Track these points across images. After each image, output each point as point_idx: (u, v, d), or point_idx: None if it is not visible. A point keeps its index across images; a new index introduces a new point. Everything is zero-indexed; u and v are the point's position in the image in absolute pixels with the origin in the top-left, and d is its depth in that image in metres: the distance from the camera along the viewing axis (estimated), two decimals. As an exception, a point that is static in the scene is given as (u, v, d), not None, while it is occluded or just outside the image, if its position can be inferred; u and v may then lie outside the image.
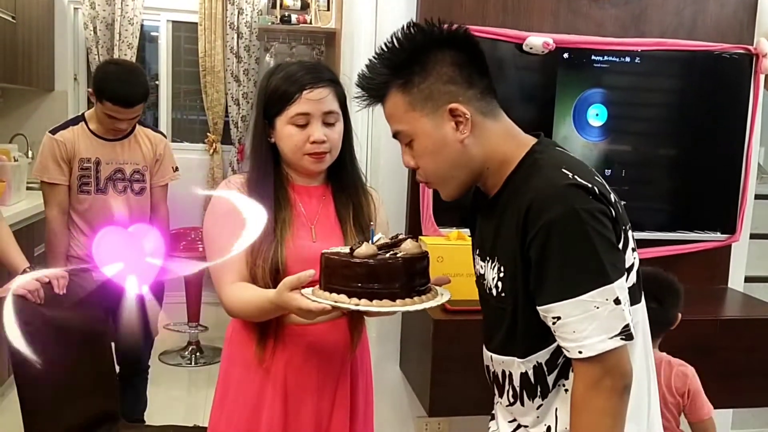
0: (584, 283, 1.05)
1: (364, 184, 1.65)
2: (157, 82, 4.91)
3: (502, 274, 1.16)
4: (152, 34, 4.98)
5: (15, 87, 4.10)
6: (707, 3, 2.53)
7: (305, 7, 4.06)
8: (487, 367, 1.29)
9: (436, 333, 2.13)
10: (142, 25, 4.70)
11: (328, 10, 3.89)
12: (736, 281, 2.71)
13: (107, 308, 2.16)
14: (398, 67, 1.15)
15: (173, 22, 4.91)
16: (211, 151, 4.87)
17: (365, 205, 1.61)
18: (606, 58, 2.42)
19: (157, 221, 2.56)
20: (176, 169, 2.64)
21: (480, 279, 1.27)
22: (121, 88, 2.32)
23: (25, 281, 1.78)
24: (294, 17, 4.01)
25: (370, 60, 1.20)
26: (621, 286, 1.06)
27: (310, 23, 4.02)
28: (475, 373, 2.14)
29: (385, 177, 2.48)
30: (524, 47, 2.34)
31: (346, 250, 1.31)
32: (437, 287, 1.39)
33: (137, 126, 2.53)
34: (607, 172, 2.45)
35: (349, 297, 1.26)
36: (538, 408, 1.18)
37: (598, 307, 1.04)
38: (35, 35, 4.16)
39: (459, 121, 1.14)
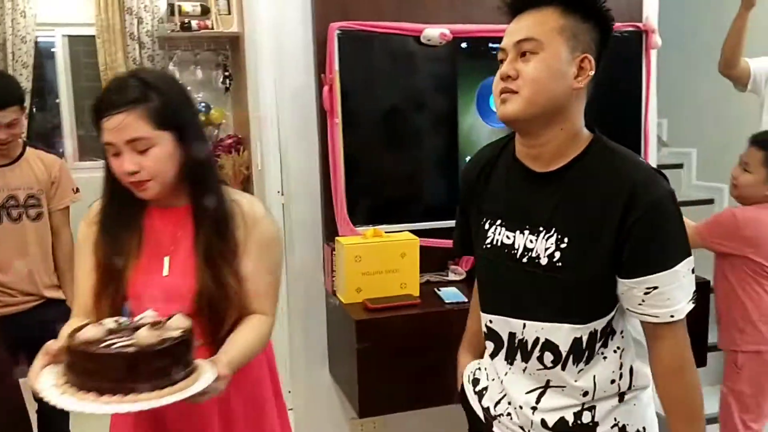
0: (678, 255, 1.20)
1: (224, 199, 1.42)
2: (58, 100, 4.70)
3: (564, 245, 1.24)
4: (51, 50, 4.76)
5: None
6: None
7: (206, 12, 3.96)
8: (511, 334, 1.33)
9: (359, 333, 2.12)
10: (36, 43, 4.49)
11: (230, 13, 3.81)
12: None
13: (14, 347, 2.04)
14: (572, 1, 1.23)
15: (69, 36, 4.70)
16: (125, 166, 4.69)
17: (226, 222, 1.41)
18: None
19: (59, 247, 2.43)
20: (77, 190, 2.51)
21: (503, 248, 1.32)
22: None
23: None
24: (194, 23, 3.90)
25: None
26: (693, 259, 1.23)
27: (212, 28, 3.92)
28: (401, 369, 2.18)
29: (297, 180, 2.46)
30: (422, 39, 2.35)
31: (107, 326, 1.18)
32: (206, 365, 1.22)
33: (28, 149, 2.40)
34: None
35: (71, 384, 1.11)
36: (579, 372, 1.29)
37: (684, 276, 1.21)
38: None
39: (581, 73, 1.24)
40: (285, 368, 2.57)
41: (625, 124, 2.63)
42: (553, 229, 1.26)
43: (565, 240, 1.24)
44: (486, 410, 1.43)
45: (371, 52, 2.36)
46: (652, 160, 2.72)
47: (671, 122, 3.99)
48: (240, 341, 1.36)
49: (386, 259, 2.27)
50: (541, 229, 1.28)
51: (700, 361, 2.47)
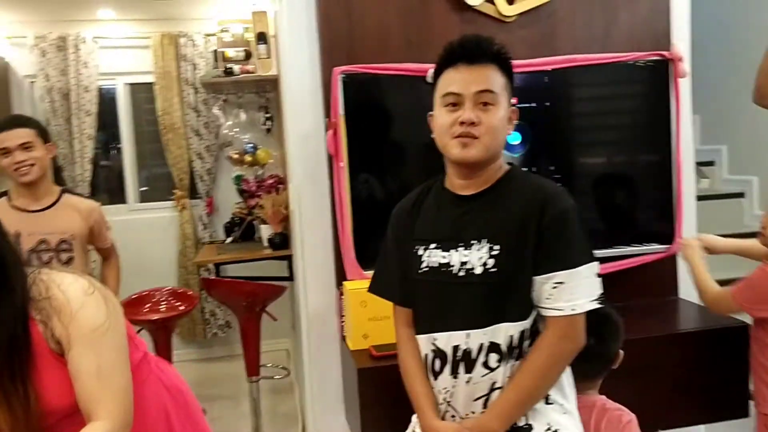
0: (580, 259, 1.42)
1: (24, 315, 1.25)
2: (120, 146, 4.94)
3: (495, 253, 1.44)
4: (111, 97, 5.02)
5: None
6: (618, 14, 2.48)
7: (249, 56, 4.07)
8: (455, 347, 1.48)
9: (362, 382, 2.07)
10: (100, 91, 4.75)
11: (269, 57, 3.90)
12: (686, 291, 2.61)
13: None
14: (502, 60, 1.50)
15: (131, 84, 4.94)
16: (180, 207, 4.86)
17: (20, 343, 1.23)
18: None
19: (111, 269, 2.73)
20: (108, 228, 2.73)
21: (440, 268, 1.49)
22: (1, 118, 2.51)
23: None
24: (237, 68, 4.02)
25: (476, 35, 1.50)
26: (597, 265, 1.46)
27: (254, 72, 4.02)
28: (407, 420, 2.10)
29: (310, 223, 2.45)
30: (428, 79, 2.29)
31: None
32: None
33: (64, 195, 2.52)
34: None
35: None
36: (510, 367, 1.46)
37: (587, 277, 1.42)
38: (-10, 113, 4.20)
39: (511, 122, 1.52)
40: (306, 415, 2.55)
41: (655, 158, 2.48)
42: (484, 240, 1.45)
43: (496, 248, 1.44)
44: None
45: (377, 95, 2.34)
46: (688, 193, 2.55)
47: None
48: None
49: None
50: (473, 242, 1.46)
51: (742, 412, 2.27)
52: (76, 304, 1.21)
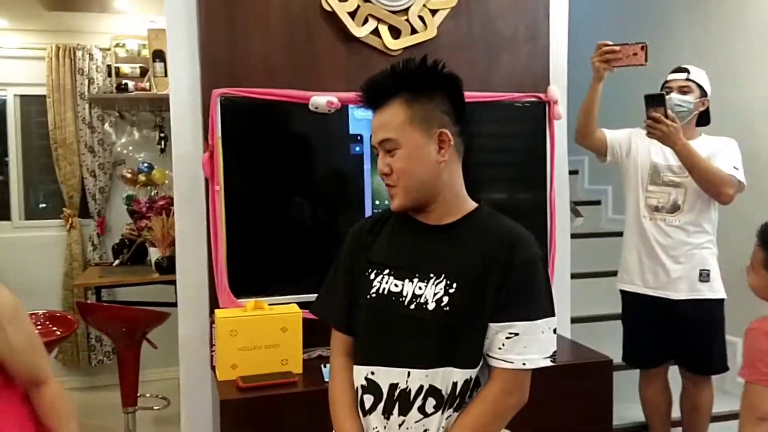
0: (541, 312, 1.33)
1: None
2: (7, 159, 4.68)
3: (452, 290, 1.33)
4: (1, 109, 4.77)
5: None
6: (500, 55, 2.57)
7: (145, 73, 3.96)
8: (393, 385, 1.37)
9: (225, 414, 2.00)
10: (-13, 101, 4.51)
11: (165, 76, 3.80)
12: (560, 324, 2.69)
13: None
14: (411, 86, 1.36)
15: (21, 96, 4.71)
16: (68, 226, 4.63)
17: None
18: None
19: None
20: None
21: (390, 296, 1.39)
22: None
23: None
24: (131, 84, 3.90)
25: (382, 70, 1.38)
26: (555, 321, 1.37)
27: (149, 90, 3.91)
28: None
29: (186, 249, 2.38)
30: (310, 107, 2.30)
31: None
32: None
33: None
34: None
35: None
36: (447, 418, 1.36)
37: (544, 332, 1.33)
38: None
39: (442, 146, 1.37)
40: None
41: (532, 195, 2.56)
42: (443, 275, 1.35)
43: (454, 285, 1.34)
44: None
45: (257, 119, 2.31)
46: (563, 229, 2.64)
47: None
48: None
49: (266, 334, 2.17)
50: (431, 275, 1.36)
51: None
52: None
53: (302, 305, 2.22)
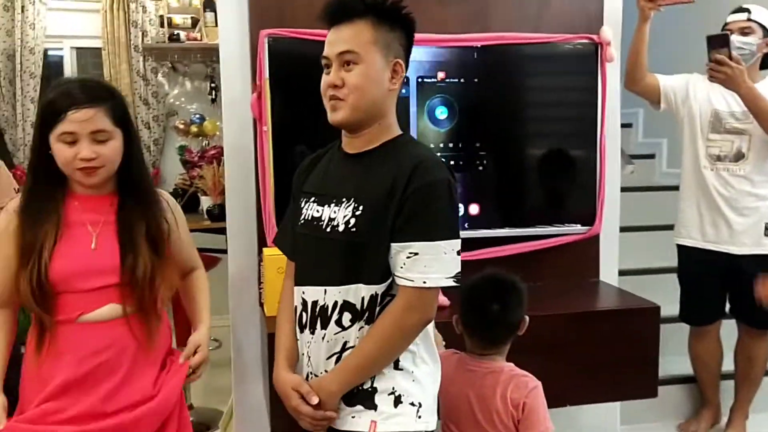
0: (442, 233, 1.40)
1: (154, 193, 1.70)
2: (65, 111, 4.82)
3: (358, 213, 1.43)
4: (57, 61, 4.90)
5: None
6: (550, -3, 2.50)
7: (196, 23, 4.01)
8: (314, 302, 1.49)
9: (271, 348, 2.05)
10: (45, 54, 4.63)
11: (216, 25, 3.83)
12: (608, 274, 2.66)
13: None
14: (381, 11, 1.44)
15: (77, 49, 4.83)
16: (124, 176, 4.77)
17: (156, 214, 1.66)
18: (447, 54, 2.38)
19: None
20: (18, 191, 2.54)
21: (313, 221, 1.50)
22: None
23: None
24: (183, 35, 3.95)
25: None
26: (459, 243, 1.43)
27: (200, 40, 3.96)
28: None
29: (235, 190, 2.43)
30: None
31: None
32: None
33: None
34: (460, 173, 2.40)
35: None
36: (360, 329, 1.45)
37: (446, 253, 1.40)
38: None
39: (395, 76, 1.46)
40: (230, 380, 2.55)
41: (581, 141, 2.51)
42: (352, 199, 1.45)
43: (360, 208, 1.43)
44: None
45: (304, 60, 2.29)
46: (612, 180, 2.59)
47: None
48: (204, 304, 1.84)
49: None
50: (343, 200, 1.46)
51: (651, 392, 2.32)
52: (173, 200, 1.79)
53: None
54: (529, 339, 1.92)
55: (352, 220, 1.43)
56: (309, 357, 1.52)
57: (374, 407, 1.45)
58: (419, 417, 1.47)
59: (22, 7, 4.48)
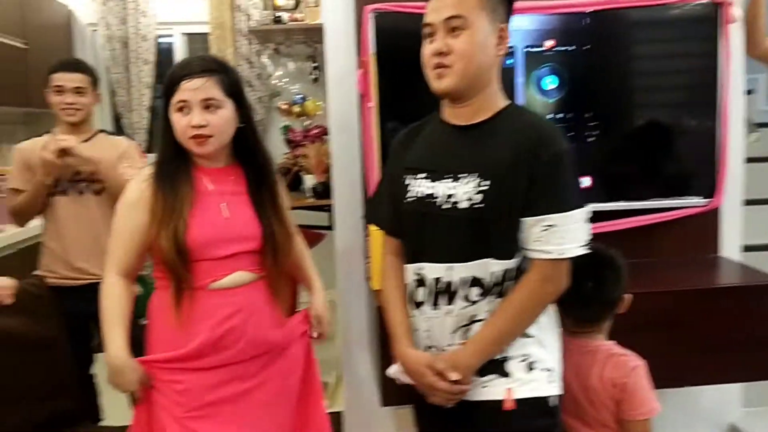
0: (573, 203, 1.39)
1: (271, 162, 1.78)
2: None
3: (485, 187, 1.39)
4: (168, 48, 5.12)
5: (39, 111, 4.31)
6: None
7: (298, 4, 4.07)
8: (436, 279, 1.47)
9: (381, 322, 2.08)
10: (157, 41, 4.85)
11: (317, 5, 3.88)
12: (729, 249, 2.51)
13: (89, 315, 2.12)
14: None
15: (187, 34, 5.03)
16: (231, 156, 4.94)
17: (275, 182, 1.77)
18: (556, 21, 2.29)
19: None
20: (133, 166, 2.64)
21: (425, 198, 1.47)
22: (62, 59, 2.59)
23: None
24: (286, 16, 4.02)
25: None
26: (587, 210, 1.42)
27: (303, 20, 4.02)
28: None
29: (341, 166, 2.46)
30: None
31: None
32: None
33: (99, 134, 2.59)
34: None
35: None
36: (491, 303, 1.45)
37: (577, 223, 1.39)
38: (52, 59, 4.35)
39: (501, 42, 1.43)
40: (338, 353, 2.60)
41: (700, 109, 2.36)
42: (475, 174, 1.41)
43: (485, 183, 1.40)
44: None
45: (410, 34, 2.28)
46: (735, 149, 2.43)
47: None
48: (311, 269, 1.92)
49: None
50: (462, 175, 1.42)
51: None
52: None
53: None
54: (645, 316, 1.85)
55: (478, 196, 1.40)
56: (428, 332, 1.52)
57: (507, 374, 1.45)
58: (551, 381, 1.48)
59: (135, -5, 4.71)
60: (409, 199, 1.51)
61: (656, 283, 2.11)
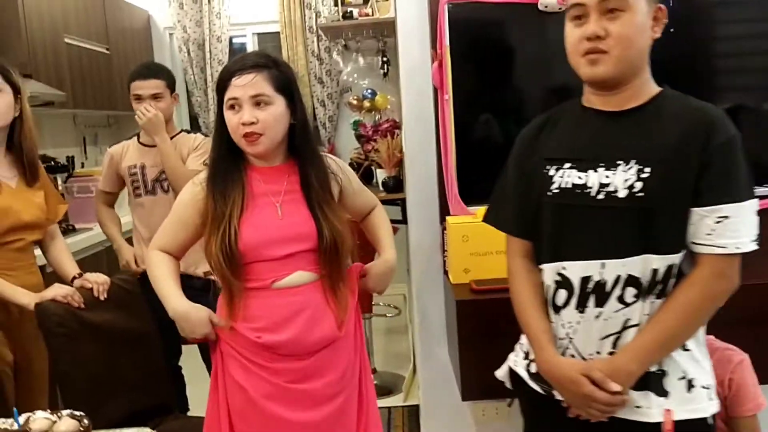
0: (746, 193, 1.27)
1: (323, 160, 1.72)
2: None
3: (645, 175, 1.28)
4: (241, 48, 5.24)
5: (121, 113, 4.50)
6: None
7: (367, 0, 4.09)
8: (584, 278, 1.34)
9: (461, 314, 2.08)
10: (231, 42, 4.98)
11: (387, 0, 3.89)
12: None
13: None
14: None
15: (258, 34, 5.13)
16: (303, 153, 5.02)
17: (329, 180, 1.71)
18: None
19: None
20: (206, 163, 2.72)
21: (574, 189, 1.35)
22: (138, 66, 2.68)
23: (60, 289, 1.96)
24: (355, 11, 4.05)
25: None
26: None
27: (373, 15, 4.04)
28: (503, 353, 2.08)
29: (415, 159, 2.46)
30: (539, 7, 2.21)
31: None
32: None
33: (180, 134, 2.67)
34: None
35: None
36: (650, 305, 1.32)
37: (751, 214, 1.28)
38: (133, 62, 4.53)
39: (657, 23, 1.34)
40: (411, 346, 2.61)
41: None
42: (633, 161, 1.30)
43: (647, 170, 1.28)
44: (543, 380, 1.42)
45: (485, 25, 2.27)
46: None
47: None
48: (383, 234, 1.88)
49: (497, 240, 2.14)
50: (619, 162, 1.31)
51: None
52: (339, 159, 1.83)
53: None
54: (744, 310, 1.77)
55: (638, 184, 1.29)
56: (570, 338, 1.38)
57: (665, 393, 1.32)
58: (711, 399, 1.35)
59: (209, -2, 4.84)
60: (551, 192, 1.38)
61: (754, 276, 2.01)
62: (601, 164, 1.33)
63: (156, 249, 1.70)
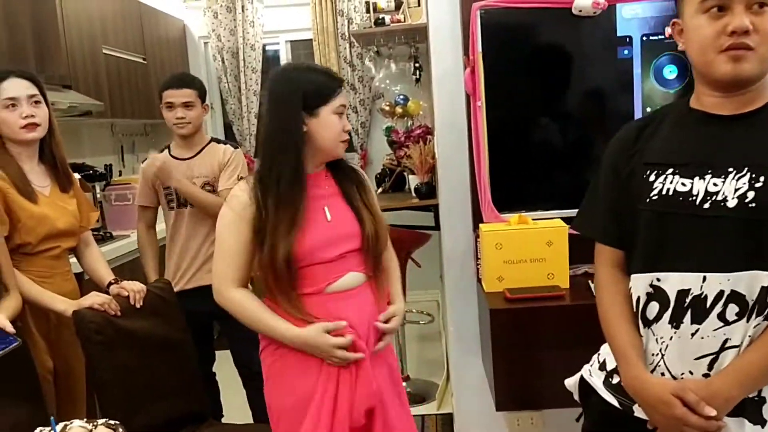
0: None
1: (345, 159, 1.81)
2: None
3: (759, 184, 1.19)
4: (274, 55, 5.29)
5: (157, 122, 4.57)
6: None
7: (399, 6, 4.09)
8: (682, 291, 1.25)
9: (495, 323, 2.05)
10: (264, 50, 5.02)
11: (419, 6, 3.88)
12: None
13: (212, 314, 2.24)
14: None
15: (291, 42, 5.17)
16: (336, 160, 5.03)
17: (362, 182, 1.79)
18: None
19: None
20: (241, 178, 2.68)
21: (676, 196, 1.26)
22: (171, 76, 2.72)
23: (97, 297, 1.99)
24: (387, 18, 4.05)
25: None
26: None
27: (405, 21, 4.03)
28: (542, 364, 2.05)
29: (447, 166, 2.44)
30: (573, 11, 2.17)
31: None
32: None
33: (212, 143, 2.69)
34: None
35: None
36: (755, 327, 1.21)
37: None
38: (169, 71, 4.60)
39: None
40: (445, 354, 2.59)
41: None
42: (746, 168, 1.21)
43: (761, 179, 1.20)
44: (623, 394, 1.35)
45: (517, 30, 2.24)
46: None
47: None
48: (397, 280, 1.84)
49: (531, 248, 2.16)
50: (730, 169, 1.23)
51: None
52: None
53: (566, 220, 2.16)
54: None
55: (750, 194, 1.19)
56: (663, 355, 1.29)
57: (763, 422, 1.24)
58: None
59: (243, 7, 4.88)
60: (651, 199, 1.29)
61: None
62: (709, 171, 1.25)
63: (232, 287, 1.68)
